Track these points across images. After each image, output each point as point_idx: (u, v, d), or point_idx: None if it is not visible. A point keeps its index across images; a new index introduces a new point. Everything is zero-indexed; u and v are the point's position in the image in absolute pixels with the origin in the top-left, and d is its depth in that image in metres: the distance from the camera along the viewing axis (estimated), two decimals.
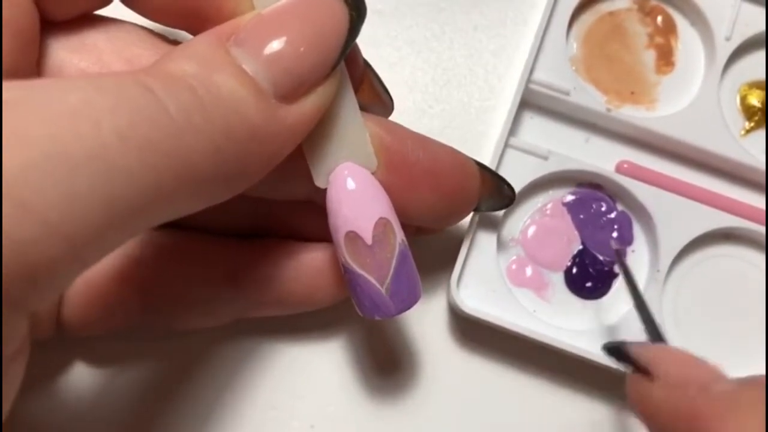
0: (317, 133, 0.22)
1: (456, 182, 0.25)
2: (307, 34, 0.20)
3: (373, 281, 0.23)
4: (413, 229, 0.27)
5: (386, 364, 0.29)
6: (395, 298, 0.23)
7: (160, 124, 0.17)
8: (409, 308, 0.24)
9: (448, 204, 0.25)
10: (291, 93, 0.20)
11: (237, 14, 0.21)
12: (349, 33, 0.21)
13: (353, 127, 0.23)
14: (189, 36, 0.23)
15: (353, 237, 0.22)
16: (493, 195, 0.27)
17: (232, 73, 0.19)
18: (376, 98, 0.26)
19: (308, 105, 0.20)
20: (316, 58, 0.20)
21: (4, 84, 0.16)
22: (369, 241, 0.22)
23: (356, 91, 0.23)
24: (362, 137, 0.23)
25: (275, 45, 0.20)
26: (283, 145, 0.20)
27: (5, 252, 0.14)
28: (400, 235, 0.23)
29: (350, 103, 0.22)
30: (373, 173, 0.23)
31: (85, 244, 0.16)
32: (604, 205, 0.30)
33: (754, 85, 0.32)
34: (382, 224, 0.23)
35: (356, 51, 0.23)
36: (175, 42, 0.24)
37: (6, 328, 0.15)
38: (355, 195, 0.22)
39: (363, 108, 0.23)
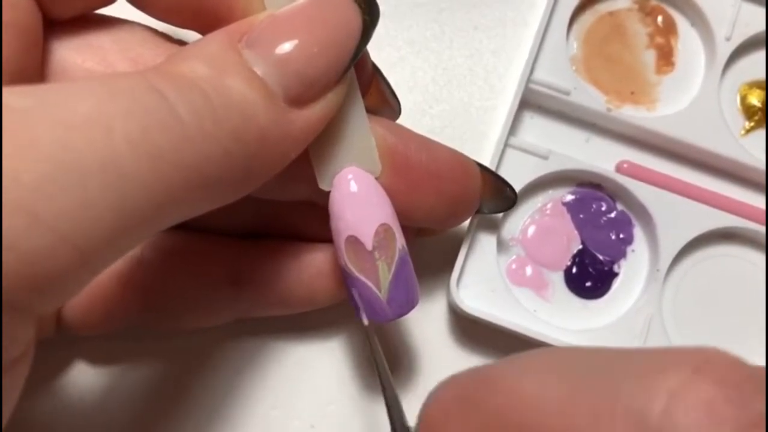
0: (324, 136, 0.22)
1: (458, 184, 0.25)
2: (320, 37, 0.20)
3: (372, 286, 0.23)
4: (413, 231, 0.27)
5: (386, 364, 0.29)
6: (393, 304, 0.23)
7: (172, 129, 0.17)
8: (405, 314, 0.24)
9: (449, 206, 0.25)
10: (301, 97, 0.20)
11: (248, 15, 0.21)
12: (362, 37, 0.21)
13: (360, 132, 0.23)
14: (196, 36, 0.23)
15: (354, 241, 0.23)
16: (495, 197, 0.27)
17: (243, 77, 0.19)
18: (383, 102, 0.26)
19: (317, 109, 0.20)
20: (328, 62, 0.20)
21: (15, 90, 0.16)
22: (369, 246, 0.23)
23: (364, 95, 0.23)
24: (368, 142, 0.23)
25: (287, 47, 0.19)
26: (291, 149, 0.20)
27: (15, 262, 0.14)
28: (400, 241, 0.23)
29: (358, 107, 0.22)
30: (376, 178, 0.23)
31: (94, 252, 0.16)
32: (604, 204, 0.30)
33: (754, 85, 0.32)
34: (383, 230, 0.23)
35: (365, 55, 0.23)
36: (180, 42, 0.24)
37: (13, 333, 0.15)
38: (357, 199, 0.22)
39: (370, 111, 0.23)
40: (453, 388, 0.19)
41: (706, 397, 0.14)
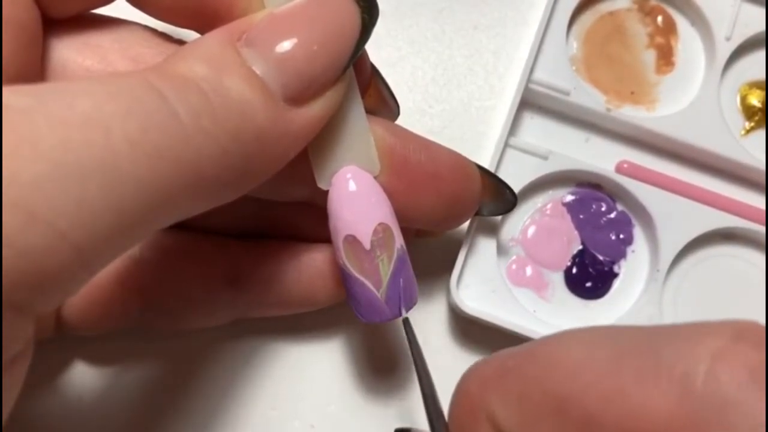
0: (322, 134, 0.22)
1: (457, 186, 0.25)
2: (319, 35, 0.20)
3: (370, 285, 0.23)
4: (413, 232, 0.27)
5: (386, 364, 0.29)
6: (391, 303, 0.23)
7: (170, 129, 0.17)
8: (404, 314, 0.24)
9: (448, 207, 0.25)
10: (300, 95, 0.20)
11: (248, 14, 0.21)
12: (361, 36, 0.21)
13: (359, 130, 0.23)
14: (196, 35, 0.23)
15: (352, 241, 0.23)
16: (495, 199, 0.27)
17: (242, 76, 0.19)
18: (382, 103, 0.26)
19: (316, 108, 0.20)
20: (327, 61, 0.20)
21: (15, 89, 0.16)
22: (368, 245, 0.23)
23: (363, 95, 0.23)
24: (367, 141, 0.23)
25: (286, 45, 0.20)
26: (290, 148, 0.20)
27: (14, 260, 0.15)
28: (399, 241, 0.23)
29: (357, 106, 0.22)
30: (375, 177, 0.23)
31: (93, 250, 0.16)
32: (604, 205, 0.30)
33: (754, 85, 0.32)
34: (381, 229, 0.23)
35: (364, 55, 0.23)
36: (179, 41, 0.24)
37: (12, 331, 0.16)
38: (356, 198, 0.22)
39: (368, 112, 0.23)
40: (492, 362, 0.19)
41: (747, 361, 0.15)
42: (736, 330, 0.16)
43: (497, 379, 0.19)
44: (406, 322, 0.24)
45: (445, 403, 0.25)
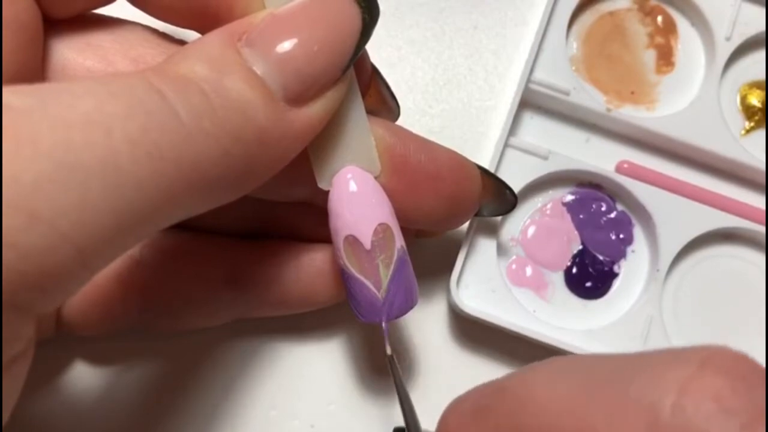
0: (323, 135, 0.22)
1: (457, 186, 0.25)
2: (320, 36, 0.20)
3: (370, 286, 0.23)
4: (413, 233, 0.27)
5: (386, 364, 0.29)
6: (391, 304, 0.23)
7: (171, 129, 0.17)
8: (404, 314, 0.24)
9: (448, 207, 0.25)
10: (300, 96, 0.20)
11: (248, 14, 0.21)
12: (361, 36, 0.21)
13: (359, 131, 0.23)
14: (196, 36, 0.23)
15: (352, 241, 0.23)
16: (495, 200, 0.27)
17: (242, 77, 0.19)
18: (382, 103, 0.26)
19: (317, 108, 0.20)
20: (328, 61, 0.20)
21: (16, 89, 0.16)
22: (368, 245, 0.23)
23: (363, 95, 0.23)
24: (367, 141, 0.23)
25: (287, 46, 0.20)
26: (291, 149, 0.20)
27: (15, 260, 0.15)
28: (399, 241, 0.23)
29: (357, 107, 0.22)
30: (375, 178, 0.23)
31: (94, 251, 0.16)
32: (604, 205, 0.30)
33: (754, 85, 0.32)
34: (381, 230, 0.23)
35: (364, 55, 0.23)
36: (180, 42, 0.24)
37: (13, 331, 0.16)
38: (356, 199, 0.22)
39: (369, 112, 0.23)
40: (468, 400, 0.20)
41: (714, 389, 0.15)
42: (703, 358, 0.15)
43: (473, 415, 0.19)
44: (392, 359, 0.24)
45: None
